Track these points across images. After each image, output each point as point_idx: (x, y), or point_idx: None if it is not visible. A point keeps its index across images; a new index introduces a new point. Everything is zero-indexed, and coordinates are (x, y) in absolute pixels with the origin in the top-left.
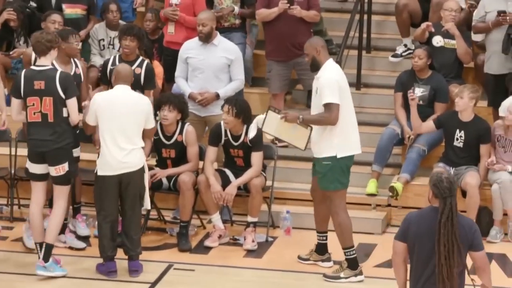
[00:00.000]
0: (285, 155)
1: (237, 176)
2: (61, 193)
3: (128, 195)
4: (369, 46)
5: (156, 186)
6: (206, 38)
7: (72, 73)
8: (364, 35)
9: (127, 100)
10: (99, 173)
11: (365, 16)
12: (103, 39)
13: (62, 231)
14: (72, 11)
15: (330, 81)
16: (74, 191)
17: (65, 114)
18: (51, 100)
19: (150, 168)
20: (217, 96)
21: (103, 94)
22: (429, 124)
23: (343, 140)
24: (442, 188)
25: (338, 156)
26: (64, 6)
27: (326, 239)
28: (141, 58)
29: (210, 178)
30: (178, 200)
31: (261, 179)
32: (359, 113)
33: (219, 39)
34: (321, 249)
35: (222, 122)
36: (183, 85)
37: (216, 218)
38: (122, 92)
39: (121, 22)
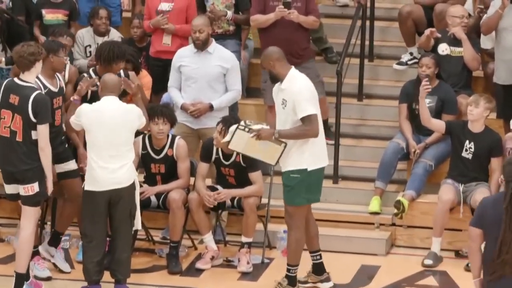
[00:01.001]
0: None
1: None
2: (28, 215)
3: (117, 213)
4: (371, 54)
5: (144, 204)
6: (203, 45)
7: (57, 88)
8: (367, 42)
9: (115, 112)
10: (87, 188)
11: (368, 22)
12: (90, 45)
13: (56, 245)
14: (53, 16)
15: (304, 92)
16: (55, 210)
17: (34, 137)
18: (21, 119)
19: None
20: (211, 108)
21: (92, 105)
22: (440, 123)
23: (314, 152)
24: (507, 172)
25: (309, 169)
26: (44, 11)
27: (320, 258)
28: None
29: (201, 190)
30: (168, 219)
31: (255, 197)
32: (361, 125)
33: (214, 46)
34: (318, 269)
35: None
36: (176, 95)
37: (208, 238)
38: (110, 104)
39: (114, 30)
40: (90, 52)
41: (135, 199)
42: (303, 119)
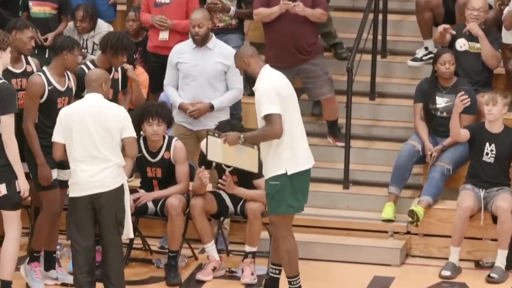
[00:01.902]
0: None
1: (233, 200)
2: (9, 220)
3: (102, 220)
4: (384, 50)
5: (140, 211)
6: (203, 41)
7: (65, 87)
8: (379, 37)
9: (97, 110)
10: (70, 195)
11: (380, 16)
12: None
13: (52, 265)
14: (40, 9)
15: (266, 90)
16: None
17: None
18: None
19: (134, 190)
20: (211, 107)
21: (69, 106)
22: (465, 133)
23: (293, 154)
24: None
25: (289, 173)
26: (31, 3)
27: (279, 274)
28: None
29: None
30: (166, 227)
31: (259, 203)
32: (373, 126)
33: (214, 42)
34: (272, 285)
35: None
36: (173, 94)
37: (210, 247)
38: (91, 102)
39: (101, 21)
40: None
41: (123, 205)
42: (264, 118)
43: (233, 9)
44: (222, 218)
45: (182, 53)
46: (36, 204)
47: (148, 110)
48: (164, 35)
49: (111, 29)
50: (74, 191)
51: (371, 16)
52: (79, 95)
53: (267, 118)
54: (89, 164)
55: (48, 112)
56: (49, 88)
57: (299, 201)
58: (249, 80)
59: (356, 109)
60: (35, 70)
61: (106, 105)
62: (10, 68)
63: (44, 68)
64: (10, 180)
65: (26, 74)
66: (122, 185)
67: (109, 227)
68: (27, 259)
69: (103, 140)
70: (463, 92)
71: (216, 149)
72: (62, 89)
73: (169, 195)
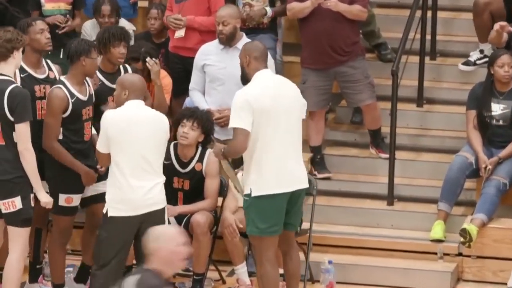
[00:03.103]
0: (326, 190)
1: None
2: (15, 237)
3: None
4: (433, 51)
5: None
6: (228, 41)
7: (87, 96)
8: (428, 37)
9: (145, 119)
10: (113, 214)
11: (429, 13)
12: None
13: (35, 278)
14: (54, 6)
15: (238, 101)
16: (38, 244)
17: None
18: None
19: None
20: None
21: (115, 112)
22: None
23: (261, 176)
24: None
25: (252, 195)
26: (43, 0)
27: None
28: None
29: (225, 212)
30: (191, 247)
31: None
32: (421, 136)
33: (244, 42)
34: None
35: None
36: (198, 100)
37: (241, 270)
38: (137, 109)
39: (122, 20)
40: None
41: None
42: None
43: (269, 10)
44: None
45: (208, 55)
46: (38, 225)
47: (184, 112)
48: (180, 32)
49: (133, 28)
50: (121, 210)
51: (418, 13)
52: None
53: (233, 131)
54: (143, 180)
55: (73, 126)
56: (72, 100)
57: (267, 224)
58: (243, 79)
59: (402, 116)
60: (57, 77)
61: (153, 113)
62: (32, 73)
63: (63, 78)
64: (26, 194)
65: (49, 81)
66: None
67: None
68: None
69: (154, 152)
70: None
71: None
72: (84, 98)
73: (195, 211)
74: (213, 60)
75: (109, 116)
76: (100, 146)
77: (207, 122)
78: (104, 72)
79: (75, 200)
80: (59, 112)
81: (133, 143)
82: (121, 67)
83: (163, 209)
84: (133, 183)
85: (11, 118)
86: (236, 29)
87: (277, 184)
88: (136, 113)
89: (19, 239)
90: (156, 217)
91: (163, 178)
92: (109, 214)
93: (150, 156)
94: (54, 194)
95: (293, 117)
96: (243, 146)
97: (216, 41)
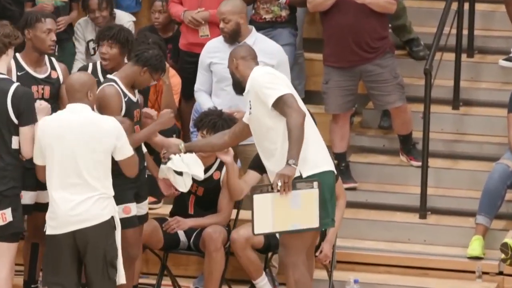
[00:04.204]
0: (352, 201)
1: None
2: (4, 253)
3: (88, 262)
4: (471, 48)
5: (170, 245)
6: (232, 39)
7: (136, 98)
8: (465, 32)
9: (81, 125)
10: (47, 232)
11: (466, 5)
12: (93, 40)
13: None
14: None
15: (262, 77)
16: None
17: (15, 146)
18: None
19: (163, 219)
20: None
21: (48, 118)
22: None
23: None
24: None
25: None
26: None
27: None
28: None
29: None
30: (202, 265)
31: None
32: (457, 141)
33: (254, 37)
34: None
35: None
36: (205, 101)
37: (262, 282)
38: (74, 114)
39: (121, 12)
40: (93, 49)
41: (114, 243)
42: (275, 105)
43: None
44: (270, 254)
45: (215, 52)
46: (35, 239)
47: (201, 120)
48: (204, 31)
49: (133, 19)
50: (52, 227)
51: (454, 5)
52: None
53: (279, 103)
54: (70, 194)
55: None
56: (125, 100)
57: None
58: (236, 87)
59: (436, 120)
60: (61, 77)
61: (94, 118)
62: (31, 71)
63: (113, 77)
64: (17, 205)
65: (50, 82)
66: (112, 218)
67: (95, 271)
68: None
69: (90, 163)
70: None
71: (265, 213)
72: (135, 99)
73: (207, 225)
74: (220, 57)
75: (41, 123)
76: (35, 158)
77: (229, 122)
78: (106, 72)
79: (132, 209)
80: (118, 111)
81: (61, 152)
82: None
83: (100, 225)
84: (60, 197)
85: (15, 121)
86: (239, 25)
87: (324, 162)
88: (68, 119)
89: (5, 257)
90: (91, 236)
91: (104, 191)
92: (46, 232)
93: (82, 166)
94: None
95: None
96: (302, 112)
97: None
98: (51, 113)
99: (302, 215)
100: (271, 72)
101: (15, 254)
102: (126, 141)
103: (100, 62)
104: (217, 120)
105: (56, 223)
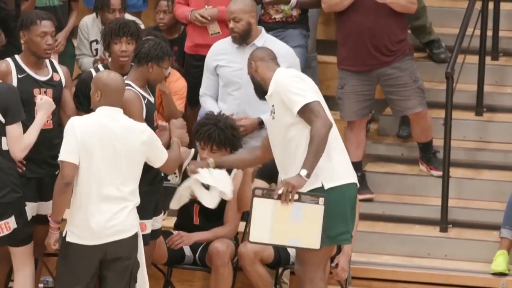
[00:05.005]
0: (368, 213)
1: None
2: (19, 257)
3: (111, 274)
4: (495, 50)
5: (175, 260)
6: (242, 39)
7: (153, 99)
8: (489, 33)
9: (118, 131)
10: (70, 240)
11: (491, 4)
12: (97, 41)
13: None
14: None
15: (288, 79)
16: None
17: (5, 147)
18: None
19: (168, 232)
20: (261, 124)
21: (82, 120)
22: None
23: (330, 164)
24: None
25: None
26: None
27: None
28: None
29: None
30: (209, 280)
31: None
32: (481, 150)
33: (264, 38)
34: None
35: None
36: (211, 107)
37: None
38: (109, 119)
39: (126, 14)
40: (96, 49)
41: (140, 255)
42: (301, 113)
43: None
44: (281, 269)
45: (221, 54)
46: (35, 255)
47: (199, 130)
48: (215, 29)
49: (140, 23)
50: (79, 237)
51: (478, 5)
52: (86, 105)
53: (305, 111)
54: (107, 203)
55: None
56: (145, 102)
57: (341, 226)
58: (257, 90)
59: (458, 127)
60: (63, 80)
61: (129, 123)
62: (32, 74)
63: (126, 81)
64: (20, 211)
65: (52, 84)
66: (138, 230)
67: (121, 284)
68: None
69: (126, 171)
70: None
71: (264, 220)
72: (153, 101)
73: (213, 239)
74: (227, 60)
75: (75, 122)
76: (69, 152)
77: (232, 141)
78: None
79: (148, 225)
80: (141, 115)
81: (96, 159)
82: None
83: (133, 237)
84: (95, 206)
85: (2, 120)
86: (250, 25)
87: (347, 174)
88: (103, 123)
89: (23, 258)
90: (123, 248)
91: (136, 201)
92: (67, 239)
93: (119, 174)
94: None
95: None
96: (329, 122)
97: (230, 38)
98: (52, 117)
99: (302, 231)
100: (298, 75)
101: (32, 251)
102: (160, 147)
103: (106, 65)
104: (212, 131)
105: (88, 234)
